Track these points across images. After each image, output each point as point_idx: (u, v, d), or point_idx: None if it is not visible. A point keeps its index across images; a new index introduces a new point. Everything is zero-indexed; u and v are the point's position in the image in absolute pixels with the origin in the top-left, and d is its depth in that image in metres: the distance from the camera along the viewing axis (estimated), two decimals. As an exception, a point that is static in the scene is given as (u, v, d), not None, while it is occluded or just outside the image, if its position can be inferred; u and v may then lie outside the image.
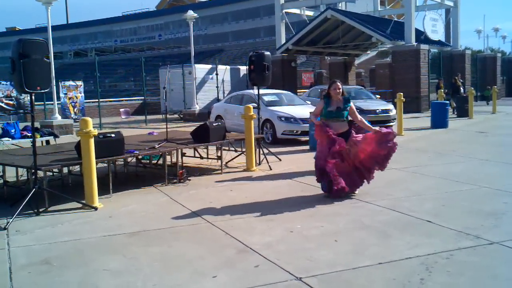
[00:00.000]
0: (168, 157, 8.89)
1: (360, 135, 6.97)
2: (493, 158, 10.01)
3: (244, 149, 9.59)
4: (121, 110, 26.64)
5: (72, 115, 18.66)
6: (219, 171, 9.16)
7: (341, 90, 6.94)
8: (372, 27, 24.03)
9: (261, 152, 9.88)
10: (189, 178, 8.45)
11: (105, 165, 7.66)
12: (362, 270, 4.31)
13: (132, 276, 4.32)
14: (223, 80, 23.54)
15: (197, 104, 22.58)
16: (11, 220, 5.93)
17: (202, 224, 5.84)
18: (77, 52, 77.53)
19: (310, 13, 28.77)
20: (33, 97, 6.85)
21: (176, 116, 23.92)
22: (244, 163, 9.45)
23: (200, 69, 23.37)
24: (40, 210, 6.41)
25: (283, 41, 26.81)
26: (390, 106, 15.86)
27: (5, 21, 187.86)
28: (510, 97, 36.21)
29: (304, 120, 12.49)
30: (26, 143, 9.61)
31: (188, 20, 23.02)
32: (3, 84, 14.25)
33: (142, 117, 22.39)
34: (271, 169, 9.20)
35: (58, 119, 17.29)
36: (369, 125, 7.08)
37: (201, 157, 9.94)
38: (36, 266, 4.63)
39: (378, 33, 23.73)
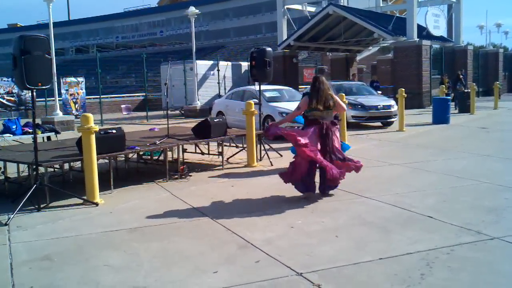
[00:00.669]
0: (169, 153, 8.90)
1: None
2: (494, 154, 9.99)
3: (245, 145, 9.58)
4: (123, 106, 26.61)
5: (74, 111, 18.64)
6: (220, 167, 9.16)
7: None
8: (374, 23, 23.95)
9: (262, 148, 9.88)
10: (190, 174, 8.45)
11: (106, 161, 7.67)
12: (363, 265, 4.31)
13: (133, 272, 4.33)
14: (224, 76, 23.50)
15: (198, 100, 22.56)
16: (12, 216, 5.93)
17: (203, 220, 5.85)
18: (78, 48, 77.58)
19: (311, 9, 28.70)
20: (34, 93, 6.85)
21: (177, 112, 23.90)
22: (245, 159, 9.45)
23: (202, 65, 23.34)
24: (41, 206, 6.42)
25: (285, 37, 26.75)
26: (391, 102, 15.84)
27: (7, 18, 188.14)
28: (512, 92, 36.11)
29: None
30: (28, 139, 9.62)
31: (189, 16, 22.96)
32: (4, 80, 14.26)
33: (143, 113, 22.37)
34: (272, 165, 9.20)
35: (59, 115, 17.31)
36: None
37: (202, 153, 9.94)
38: (37, 262, 4.64)
39: (380, 29, 23.66)
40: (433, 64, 25.18)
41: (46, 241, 5.22)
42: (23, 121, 10.50)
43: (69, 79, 19.08)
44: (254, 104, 9.49)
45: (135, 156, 9.26)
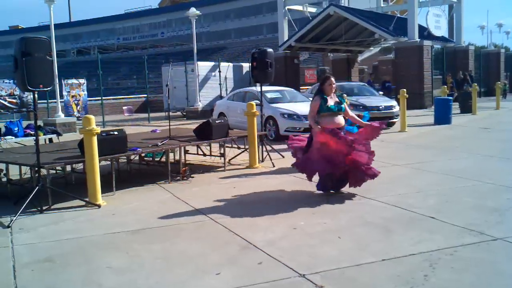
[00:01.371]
0: (171, 155, 8.90)
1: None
2: (496, 154, 9.97)
3: (247, 146, 9.58)
4: (124, 107, 26.65)
5: (75, 113, 18.66)
6: (222, 168, 9.16)
7: (335, 84, 6.89)
8: (375, 24, 23.92)
9: (264, 149, 9.87)
10: (192, 176, 8.45)
11: (108, 162, 7.67)
12: (365, 266, 4.30)
13: (135, 273, 4.33)
14: (225, 77, 23.51)
15: (199, 101, 22.57)
16: (15, 218, 5.94)
17: (205, 221, 5.84)
18: (79, 50, 77.67)
19: (312, 9, 28.67)
20: (35, 95, 6.86)
21: (179, 113, 23.91)
22: (247, 160, 9.44)
23: (203, 67, 23.34)
24: (44, 208, 6.42)
25: (286, 38, 26.73)
26: (393, 103, 15.81)
27: (8, 19, 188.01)
28: (514, 93, 36.01)
29: (307, 117, 12.43)
30: (29, 141, 9.63)
31: (190, 17, 22.98)
32: (6, 82, 14.25)
33: (145, 115, 22.37)
34: (274, 166, 9.19)
35: (61, 117, 17.32)
36: (359, 119, 7.07)
37: (204, 155, 9.93)
38: (40, 263, 4.64)
39: (381, 30, 23.63)
40: (435, 64, 25.14)
41: (49, 243, 5.22)
42: (25, 123, 10.50)
43: (70, 81, 19.10)
44: (256, 105, 9.49)
45: (137, 157, 9.26)
